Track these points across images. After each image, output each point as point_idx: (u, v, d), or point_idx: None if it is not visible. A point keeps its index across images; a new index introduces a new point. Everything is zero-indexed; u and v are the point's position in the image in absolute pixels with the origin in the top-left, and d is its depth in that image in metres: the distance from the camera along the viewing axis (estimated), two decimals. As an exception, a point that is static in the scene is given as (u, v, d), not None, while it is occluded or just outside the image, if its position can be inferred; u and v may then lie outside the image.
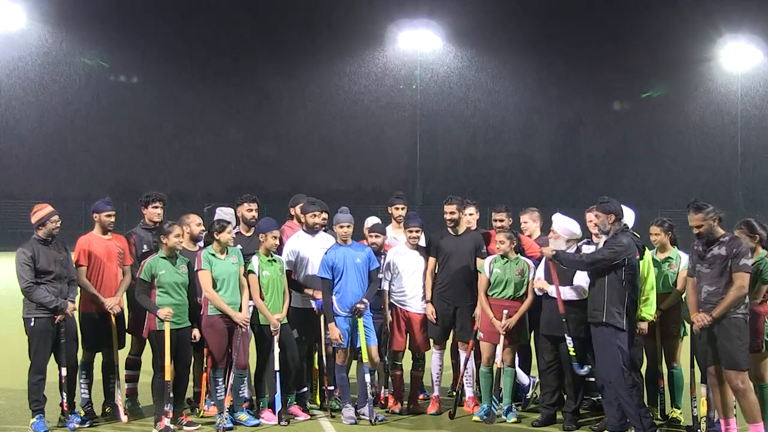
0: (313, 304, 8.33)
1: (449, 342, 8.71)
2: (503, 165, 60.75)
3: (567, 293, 7.71)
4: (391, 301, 8.49)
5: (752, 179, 50.72)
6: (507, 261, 8.10)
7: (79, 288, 7.89)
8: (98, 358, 8.14)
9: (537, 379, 8.39)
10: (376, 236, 8.56)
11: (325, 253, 8.16)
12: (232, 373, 7.86)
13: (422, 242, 8.64)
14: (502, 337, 8.02)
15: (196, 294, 7.85)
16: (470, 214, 8.73)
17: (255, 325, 8.02)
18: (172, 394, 7.55)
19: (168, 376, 7.52)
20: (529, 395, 8.59)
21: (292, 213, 8.97)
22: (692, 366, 7.59)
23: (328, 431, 7.81)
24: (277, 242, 8.17)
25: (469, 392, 8.45)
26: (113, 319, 8.00)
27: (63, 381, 7.62)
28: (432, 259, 8.51)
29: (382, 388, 8.59)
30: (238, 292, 7.93)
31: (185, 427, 7.65)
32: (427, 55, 49.51)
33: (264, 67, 58.56)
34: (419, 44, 48.14)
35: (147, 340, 7.91)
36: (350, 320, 8.08)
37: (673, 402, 8.02)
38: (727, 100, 52.70)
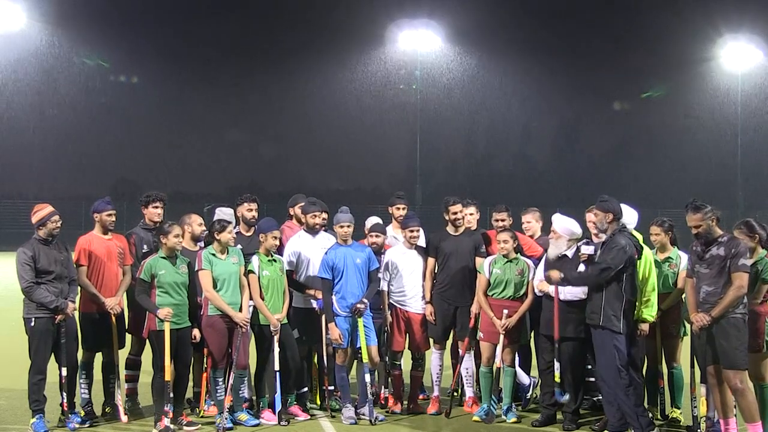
0: (314, 304, 8.33)
1: (449, 342, 8.71)
2: (503, 165, 60.77)
3: (567, 293, 7.71)
4: (391, 301, 8.49)
5: (752, 179, 50.72)
6: (507, 261, 8.10)
7: (79, 288, 7.89)
8: (98, 358, 8.15)
9: (537, 379, 8.39)
10: (377, 236, 8.57)
11: (325, 253, 8.16)
12: (232, 373, 7.87)
13: (422, 242, 8.64)
14: (502, 337, 8.03)
15: (196, 294, 7.85)
16: (470, 214, 8.73)
17: (255, 325, 8.02)
18: (172, 394, 7.55)
19: (168, 376, 7.52)
20: (529, 395, 8.59)
21: (292, 213, 8.97)
22: (692, 366, 7.60)
23: (328, 431, 7.81)
24: (277, 242, 8.17)
25: (469, 392, 8.45)
26: (113, 319, 8.01)
27: (63, 381, 7.62)
28: (431, 260, 8.51)
29: (382, 388, 8.59)
30: (239, 292, 7.93)
31: (185, 427, 7.65)
32: (427, 55, 49.50)
33: (264, 67, 58.56)
34: (419, 44, 48.14)
35: (147, 340, 7.91)
36: (350, 320, 8.08)
37: (673, 402, 8.03)
38: (727, 100, 52.70)
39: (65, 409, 7.67)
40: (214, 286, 7.82)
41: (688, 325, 7.79)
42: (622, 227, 7.42)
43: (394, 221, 9.02)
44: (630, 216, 7.70)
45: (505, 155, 61.47)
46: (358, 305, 8.05)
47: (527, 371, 8.64)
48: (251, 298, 7.98)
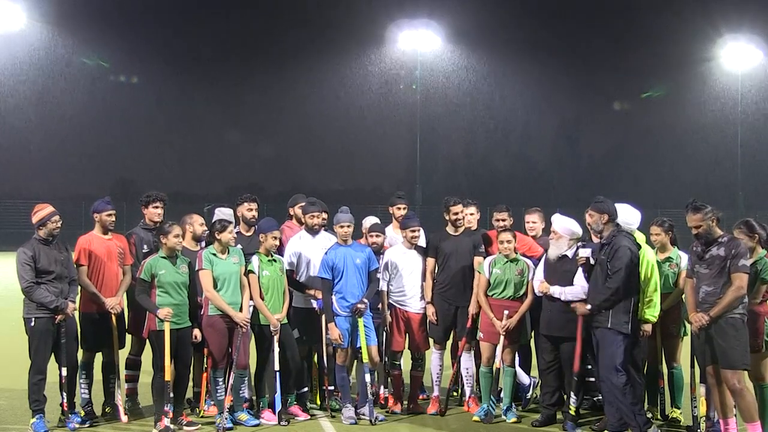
0: (314, 304, 8.33)
1: (449, 342, 8.71)
2: (503, 165, 60.77)
3: (568, 294, 7.71)
4: (390, 301, 8.49)
5: (752, 179, 50.73)
6: (507, 261, 8.10)
7: (79, 288, 7.89)
8: (98, 358, 8.15)
9: (537, 379, 8.39)
10: (377, 236, 8.57)
11: (325, 254, 8.16)
12: (232, 373, 7.87)
13: (422, 242, 8.64)
14: (501, 337, 8.03)
15: (196, 294, 7.85)
16: (471, 214, 8.73)
17: (255, 325, 8.02)
18: (172, 394, 7.55)
19: (168, 376, 7.52)
20: (529, 395, 8.59)
21: (292, 213, 8.97)
22: (692, 366, 7.60)
23: (328, 431, 7.81)
24: (277, 242, 8.17)
25: (468, 392, 8.45)
26: (114, 319, 8.01)
27: (63, 381, 7.62)
28: (431, 260, 8.51)
29: (381, 387, 8.59)
30: (239, 292, 7.93)
31: (185, 427, 7.65)
32: (427, 55, 49.50)
33: (264, 67, 58.57)
34: (419, 44, 48.14)
35: (147, 340, 7.91)
36: (350, 320, 8.09)
37: (673, 402, 8.03)
38: (727, 100, 52.72)
39: (65, 409, 7.67)
40: (215, 286, 7.83)
41: (688, 325, 7.80)
42: (619, 228, 7.42)
43: (395, 221, 9.02)
44: (632, 216, 7.70)
45: (505, 155, 61.46)
46: (359, 305, 8.05)
47: (527, 371, 8.64)
48: (251, 298, 7.98)
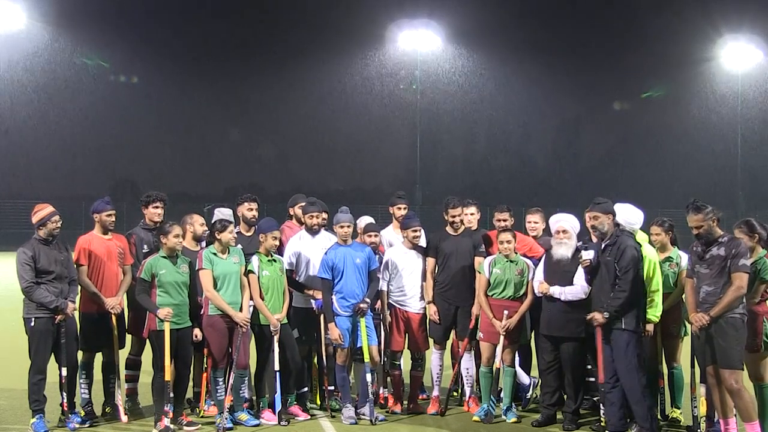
0: (314, 304, 8.33)
1: (449, 342, 8.70)
2: (503, 165, 60.78)
3: (568, 294, 7.71)
4: (390, 301, 8.49)
5: (752, 179, 50.73)
6: (507, 261, 8.10)
7: (79, 288, 7.89)
8: (98, 358, 8.15)
9: (537, 379, 8.39)
10: (375, 236, 8.57)
11: (325, 253, 8.16)
12: (232, 373, 7.87)
13: (422, 242, 8.64)
14: (501, 337, 8.02)
15: (197, 294, 7.85)
16: (471, 214, 8.72)
17: (255, 325, 8.02)
18: (172, 394, 7.55)
19: (168, 376, 7.52)
20: (529, 395, 8.59)
21: (292, 213, 8.97)
22: (692, 366, 7.60)
23: (328, 431, 7.81)
24: (277, 242, 8.17)
25: (468, 392, 8.45)
26: (114, 319, 8.01)
27: (63, 381, 7.61)
28: (431, 260, 8.51)
29: (381, 387, 8.58)
30: (239, 292, 7.93)
31: (185, 427, 7.65)
32: (427, 55, 49.50)
33: (264, 67, 58.58)
34: (419, 44, 48.14)
35: (147, 340, 7.91)
36: (350, 320, 8.09)
37: (673, 402, 8.02)
38: (727, 100, 52.72)
39: (65, 409, 7.67)
40: (215, 286, 7.83)
41: (688, 325, 7.80)
42: (621, 228, 7.42)
43: (395, 221, 9.02)
44: (636, 216, 7.71)
45: (505, 155, 61.48)
46: (361, 305, 8.05)
47: (527, 371, 8.63)
48: (251, 298, 7.98)
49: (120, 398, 8.03)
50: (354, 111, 57.38)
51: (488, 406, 8.05)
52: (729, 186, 49.00)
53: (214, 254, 7.89)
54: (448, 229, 8.55)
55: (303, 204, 8.69)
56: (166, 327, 7.52)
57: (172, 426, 7.51)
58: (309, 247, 8.43)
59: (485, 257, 8.32)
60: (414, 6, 49.85)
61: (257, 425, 7.85)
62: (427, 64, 49.99)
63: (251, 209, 8.69)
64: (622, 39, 58.45)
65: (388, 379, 8.58)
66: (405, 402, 8.49)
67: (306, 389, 8.41)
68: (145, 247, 8.30)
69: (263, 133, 61.34)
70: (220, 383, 7.88)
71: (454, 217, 8.47)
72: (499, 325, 8.01)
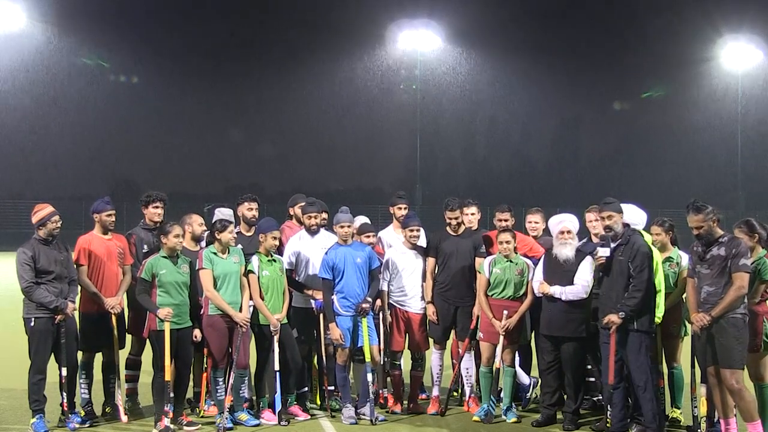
0: (313, 304, 8.33)
1: (449, 342, 8.70)
2: (503, 165, 60.83)
3: (569, 294, 7.71)
4: (390, 301, 8.49)
5: (752, 179, 50.73)
6: (507, 261, 8.09)
7: (79, 288, 7.89)
8: (98, 358, 8.14)
9: (537, 379, 8.39)
10: (374, 236, 8.57)
11: (326, 253, 8.16)
12: (232, 373, 7.87)
13: (422, 242, 8.64)
14: (501, 337, 8.02)
15: (197, 294, 7.85)
16: (472, 214, 8.71)
17: (255, 325, 8.02)
18: (172, 394, 7.55)
19: (168, 376, 7.52)
20: (529, 395, 8.59)
21: (292, 213, 8.97)
22: (692, 366, 7.59)
23: (328, 431, 7.81)
24: (277, 243, 8.17)
25: (468, 392, 8.45)
26: (114, 319, 8.00)
27: (63, 381, 7.61)
28: (431, 260, 8.50)
29: (381, 387, 8.58)
30: (239, 292, 7.93)
31: (185, 427, 7.65)
32: (427, 55, 49.50)
33: (264, 67, 58.63)
34: (419, 44, 48.14)
35: (147, 340, 7.91)
36: (351, 320, 8.09)
37: (673, 402, 8.02)
38: (727, 100, 52.71)
39: (65, 409, 7.66)
40: (215, 286, 7.83)
41: (688, 325, 7.79)
42: (630, 227, 7.42)
43: (395, 221, 9.01)
44: (639, 217, 7.72)
45: (505, 155, 61.51)
46: (363, 305, 8.06)
47: (527, 371, 8.63)
48: (251, 298, 7.98)
49: (120, 398, 8.03)
50: (354, 111, 57.48)
51: (488, 406, 8.05)
52: (729, 186, 49.02)
53: (215, 254, 7.89)
54: (449, 229, 8.54)
55: (303, 204, 8.69)
56: (167, 327, 7.52)
57: (172, 426, 7.51)
58: (308, 246, 8.43)
59: (485, 257, 8.32)
60: (414, 6, 49.94)
61: (257, 425, 7.85)
62: (427, 64, 49.99)
63: (251, 209, 8.69)
64: (622, 39, 58.56)
65: (388, 379, 8.58)
66: (405, 402, 8.48)
67: (306, 389, 8.41)
68: (145, 247, 8.29)
69: (263, 133, 61.41)
70: (220, 383, 7.88)
71: (451, 219, 8.46)
72: (498, 325, 8.01)
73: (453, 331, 8.53)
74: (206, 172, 60.86)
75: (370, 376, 8.00)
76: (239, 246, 8.19)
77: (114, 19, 54.58)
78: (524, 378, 8.55)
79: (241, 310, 7.89)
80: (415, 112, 49.30)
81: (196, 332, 7.80)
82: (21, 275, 7.44)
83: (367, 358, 8.05)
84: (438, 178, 54.62)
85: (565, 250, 7.83)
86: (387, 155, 60.06)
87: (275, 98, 59.96)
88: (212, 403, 8.08)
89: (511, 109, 58.91)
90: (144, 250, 8.25)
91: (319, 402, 8.55)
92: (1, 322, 14.02)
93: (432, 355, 8.58)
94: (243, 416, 7.89)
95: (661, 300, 7.45)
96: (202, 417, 8.07)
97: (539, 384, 8.24)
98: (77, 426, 7.63)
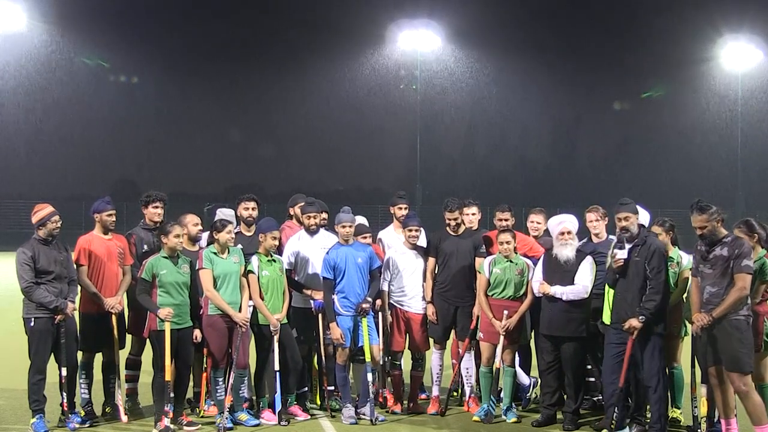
0: (312, 304, 8.33)
1: (449, 342, 8.70)
2: (503, 165, 60.82)
3: (569, 294, 7.71)
4: (391, 301, 8.49)
5: (752, 179, 50.73)
6: (507, 261, 8.09)
7: (79, 288, 7.89)
8: (98, 358, 8.14)
9: (537, 379, 8.39)
10: (370, 237, 8.55)
11: (327, 253, 8.16)
12: (232, 373, 7.86)
13: (422, 242, 8.64)
14: (501, 338, 8.02)
15: (198, 294, 7.85)
16: (472, 214, 8.71)
17: (255, 325, 8.02)
18: (172, 394, 7.55)
19: (168, 376, 7.52)
20: (529, 395, 8.59)
21: (292, 213, 8.97)
22: (692, 366, 7.59)
23: (328, 431, 7.81)
24: (277, 243, 8.17)
25: (468, 392, 8.45)
26: (114, 319, 8.00)
27: (63, 381, 7.61)
28: (432, 260, 8.50)
29: (381, 387, 8.58)
30: (238, 292, 7.93)
31: (185, 427, 7.65)
32: (427, 55, 49.51)
33: (264, 67, 58.60)
34: (419, 44, 48.14)
35: (147, 340, 7.91)
36: (352, 319, 8.09)
37: (673, 402, 8.01)
38: (727, 100, 52.71)
39: (65, 409, 7.66)
40: (214, 285, 7.83)
41: (689, 325, 7.79)
42: (645, 228, 7.41)
43: (396, 221, 9.01)
44: (643, 217, 7.72)
45: (505, 155, 61.50)
46: (363, 305, 8.06)
47: (527, 371, 8.63)
48: (251, 298, 7.98)
49: (120, 398, 8.03)
50: (354, 111, 57.42)
51: (488, 406, 8.05)
52: (729, 186, 48.99)
53: (215, 254, 7.89)
54: (448, 229, 8.54)
55: (302, 204, 8.69)
56: (167, 327, 7.52)
57: (172, 426, 7.51)
58: (308, 247, 8.43)
59: (485, 257, 8.32)
60: (414, 6, 49.90)
61: (257, 425, 7.85)
62: (427, 64, 49.99)
63: (248, 208, 8.69)
64: (622, 39, 58.50)
65: (388, 379, 8.58)
66: (405, 402, 8.49)
67: (306, 389, 8.41)
68: (145, 246, 8.29)
69: (263, 133, 61.34)
70: (220, 383, 7.88)
71: (450, 220, 8.46)
72: (499, 325, 8.01)
73: (453, 331, 8.54)
74: (206, 172, 60.86)
75: (370, 376, 8.00)
76: (239, 246, 8.19)
77: (114, 19, 54.51)
78: (524, 378, 8.55)
79: (240, 310, 7.89)
80: (415, 112, 49.31)
81: (197, 333, 7.79)
82: (21, 275, 7.44)
83: (368, 358, 8.05)
84: (438, 178, 54.58)
85: (566, 251, 7.82)
86: (387, 155, 60.06)
87: (275, 98, 59.98)
88: (212, 403, 8.08)
89: (511, 109, 58.90)
90: (144, 250, 8.25)
91: (319, 402, 8.55)
92: (1, 322, 14.02)
93: (432, 355, 8.58)
94: (243, 416, 7.89)
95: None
96: (202, 417, 8.07)
97: (539, 384, 8.24)
98: (77, 426, 7.63)
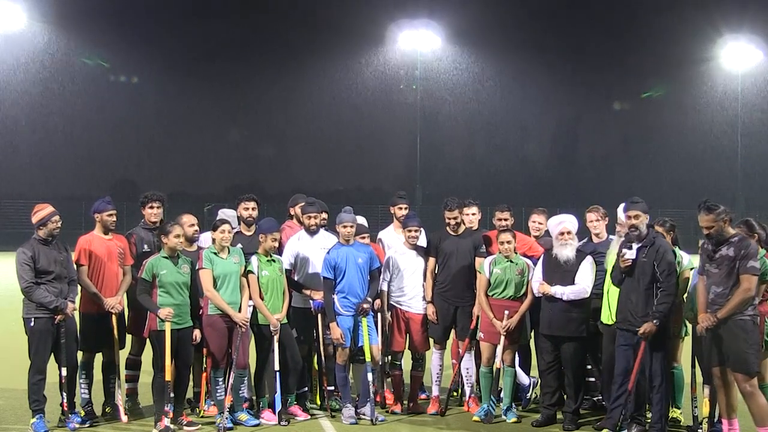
0: (311, 304, 8.32)
1: (449, 342, 8.70)
2: (503, 165, 60.78)
3: (570, 294, 7.71)
4: (391, 302, 8.48)
5: (752, 179, 50.74)
6: (507, 261, 8.09)
7: (79, 288, 7.88)
8: (98, 358, 8.14)
9: (537, 379, 8.38)
10: (368, 237, 8.56)
11: (327, 253, 8.16)
12: (232, 373, 7.86)
13: (422, 242, 8.64)
14: (502, 338, 8.02)
15: (198, 294, 7.84)
16: (472, 214, 8.71)
17: (255, 325, 8.02)
18: (172, 394, 7.54)
19: (168, 376, 7.52)
20: (529, 395, 8.59)
21: (292, 213, 8.97)
22: (693, 366, 7.59)
23: (328, 431, 7.81)
24: (276, 245, 8.16)
25: (469, 392, 8.45)
26: (114, 319, 8.00)
27: (63, 381, 7.61)
28: (432, 260, 8.50)
29: (380, 387, 8.57)
30: (238, 292, 7.93)
31: (185, 427, 7.65)
32: (427, 55, 49.52)
33: (264, 67, 58.55)
34: (419, 44, 48.16)
35: (147, 340, 7.91)
36: (352, 319, 8.09)
37: (673, 402, 8.01)
38: (727, 100, 52.74)
39: (65, 409, 7.66)
40: (215, 285, 7.82)
41: (689, 325, 7.79)
42: (653, 228, 7.41)
43: (396, 221, 9.00)
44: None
45: (505, 155, 61.47)
46: (363, 305, 8.06)
47: (527, 371, 8.63)
48: (251, 298, 7.98)
49: (120, 398, 8.03)
50: (354, 111, 57.42)
51: (488, 406, 8.05)
52: (729, 186, 49.01)
53: (215, 254, 7.89)
54: (449, 229, 8.54)
55: (303, 204, 8.69)
56: (167, 327, 7.52)
57: (172, 426, 7.51)
58: (308, 247, 8.43)
59: (485, 257, 8.32)
60: (414, 6, 49.92)
61: (257, 425, 7.85)
62: (427, 64, 50.02)
63: (247, 208, 8.68)
64: (622, 39, 58.46)
65: (388, 379, 8.58)
66: (405, 402, 8.48)
67: (306, 389, 8.41)
68: (146, 246, 8.29)
69: (263, 133, 61.33)
70: (220, 383, 7.88)
71: (450, 219, 8.46)
72: (499, 325, 8.01)
73: (453, 331, 8.54)
74: (206, 172, 60.81)
75: (370, 376, 8.00)
76: (239, 246, 8.18)
77: (114, 19, 54.44)
78: (524, 378, 8.55)
79: (240, 311, 7.89)
80: (415, 112, 49.32)
81: (196, 333, 7.79)
82: (21, 275, 7.44)
83: (368, 358, 8.05)
84: (438, 178, 54.57)
85: (566, 251, 7.82)
86: (387, 155, 60.04)
87: (275, 98, 59.91)
88: (212, 403, 8.08)
89: (511, 109, 58.86)
90: (144, 250, 8.24)
91: (319, 402, 8.55)
92: (1, 322, 14.02)
93: (432, 355, 8.58)
94: (243, 416, 7.89)
95: None
96: (202, 417, 8.07)
97: (539, 384, 8.24)
98: (77, 426, 7.63)
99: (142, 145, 58.54)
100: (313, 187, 39.67)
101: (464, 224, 8.57)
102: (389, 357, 8.53)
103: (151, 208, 8.48)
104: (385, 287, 8.43)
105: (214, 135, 61.25)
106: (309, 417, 8.13)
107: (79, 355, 7.94)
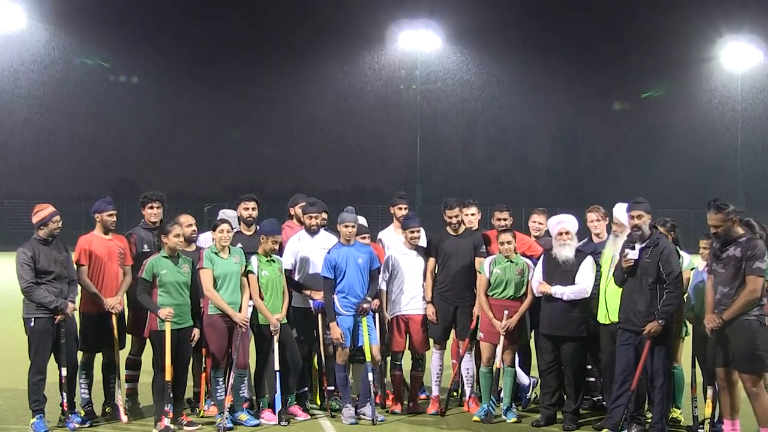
0: (311, 304, 8.32)
1: (449, 342, 8.70)
2: (503, 165, 60.82)
3: (570, 294, 7.71)
4: (392, 310, 8.47)
5: (752, 179, 50.75)
6: (507, 261, 8.09)
7: (79, 288, 7.88)
8: (98, 358, 8.14)
9: (537, 379, 8.38)
10: (368, 237, 8.55)
11: (328, 253, 8.16)
12: (232, 373, 7.86)
13: (422, 242, 8.63)
14: (502, 338, 8.02)
15: (199, 294, 7.84)
16: (472, 214, 8.71)
17: (255, 325, 8.02)
18: (172, 394, 7.54)
19: (168, 376, 7.52)
20: (529, 395, 8.59)
21: (292, 213, 8.97)
22: (693, 366, 7.58)
23: (328, 431, 7.81)
24: (277, 247, 8.15)
25: (468, 392, 8.45)
26: (114, 319, 8.00)
27: (63, 381, 7.61)
28: (432, 260, 8.50)
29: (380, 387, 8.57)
30: (239, 292, 7.93)
31: (185, 427, 7.64)
32: (427, 55, 49.53)
33: (264, 67, 58.61)
34: (419, 44, 48.17)
35: (147, 340, 7.91)
36: (352, 319, 8.09)
37: (674, 402, 8.01)
38: (727, 100, 52.76)
39: (65, 409, 7.66)
40: (215, 285, 7.82)
41: (689, 325, 7.78)
42: (656, 229, 7.41)
43: (396, 221, 9.00)
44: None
45: (505, 155, 61.52)
46: (363, 305, 8.06)
47: (527, 371, 8.63)
48: (251, 298, 7.98)
49: (120, 398, 8.03)
50: (354, 111, 57.46)
51: (488, 406, 8.05)
52: (729, 186, 49.01)
53: (215, 254, 7.89)
54: (449, 229, 8.54)
55: (303, 204, 8.69)
56: (167, 327, 7.52)
57: (172, 426, 7.51)
58: (308, 247, 8.43)
59: (485, 257, 8.32)
60: (414, 6, 49.99)
61: (257, 425, 7.85)
62: (427, 64, 50.03)
63: (246, 208, 8.67)
64: (622, 39, 58.51)
65: (387, 379, 8.58)
66: (405, 402, 8.48)
67: (306, 389, 8.41)
68: (146, 246, 8.29)
69: (263, 133, 61.36)
70: (220, 383, 7.88)
71: (450, 218, 8.46)
72: (499, 325, 8.01)
73: (453, 331, 8.54)
74: (206, 172, 60.84)
75: (370, 376, 8.00)
76: (239, 245, 8.18)
77: (114, 19, 54.49)
78: (524, 378, 8.55)
79: (240, 311, 7.89)
80: (415, 112, 49.34)
81: (195, 332, 7.78)
82: (21, 275, 7.43)
83: (368, 358, 8.05)
84: (438, 178, 54.62)
85: (565, 251, 7.82)
86: (387, 155, 60.07)
87: (275, 98, 59.96)
88: (212, 403, 8.08)
89: (511, 109, 58.91)
90: (144, 250, 8.24)
91: (319, 402, 8.55)
92: (1, 322, 14.02)
93: (432, 355, 8.58)
94: (243, 416, 7.89)
95: None
96: (202, 417, 8.07)
97: (539, 384, 8.24)
98: (77, 426, 7.63)
99: (142, 145, 58.61)
100: (313, 187, 39.72)
101: (464, 224, 8.57)
102: (388, 357, 8.52)
103: (151, 208, 8.48)
104: (384, 287, 8.43)
105: (214, 135, 61.32)
106: (309, 417, 8.13)
107: (79, 355, 7.94)
